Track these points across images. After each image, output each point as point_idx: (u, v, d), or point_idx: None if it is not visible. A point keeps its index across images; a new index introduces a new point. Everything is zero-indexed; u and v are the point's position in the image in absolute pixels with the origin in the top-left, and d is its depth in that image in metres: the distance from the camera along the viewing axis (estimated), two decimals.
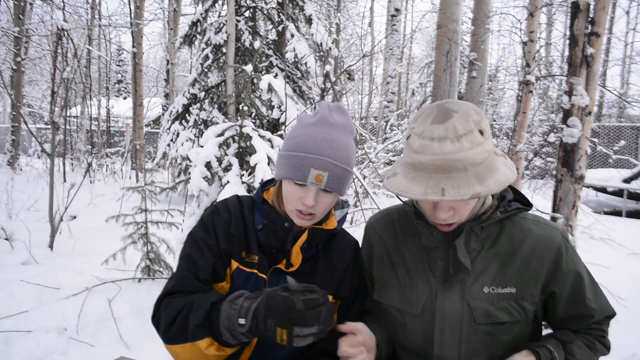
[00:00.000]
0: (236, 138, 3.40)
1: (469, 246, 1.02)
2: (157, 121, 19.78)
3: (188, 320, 0.95)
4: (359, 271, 1.18)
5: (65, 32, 4.97)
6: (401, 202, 1.19)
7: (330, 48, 6.15)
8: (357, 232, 5.51)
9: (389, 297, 1.11)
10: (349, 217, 6.31)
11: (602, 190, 8.72)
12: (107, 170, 11.68)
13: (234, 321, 0.90)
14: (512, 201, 1.08)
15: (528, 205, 1.10)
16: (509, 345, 1.02)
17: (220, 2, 7.38)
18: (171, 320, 0.97)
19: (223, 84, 7.12)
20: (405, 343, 1.10)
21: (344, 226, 1.21)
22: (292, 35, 6.97)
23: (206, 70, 7.25)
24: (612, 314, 1.07)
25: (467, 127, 0.90)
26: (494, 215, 1.03)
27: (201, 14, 7.20)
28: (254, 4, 7.33)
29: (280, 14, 7.18)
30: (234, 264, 1.08)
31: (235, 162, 3.31)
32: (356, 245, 1.22)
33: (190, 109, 7.43)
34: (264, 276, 1.07)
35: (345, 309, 1.15)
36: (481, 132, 0.92)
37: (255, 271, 1.08)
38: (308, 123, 1.05)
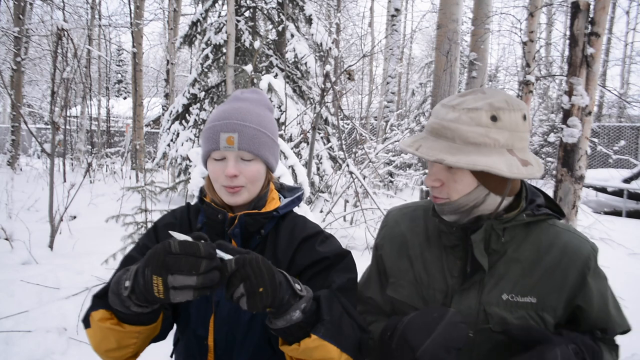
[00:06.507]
0: None
1: (489, 246, 0.98)
2: (157, 121, 19.80)
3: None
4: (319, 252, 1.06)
5: (65, 32, 4.97)
6: (427, 199, 1.16)
7: (330, 48, 6.15)
8: (357, 232, 5.52)
9: (403, 294, 1.08)
10: (348, 217, 6.30)
11: (602, 190, 8.72)
12: (107, 170, 11.68)
13: (122, 284, 0.84)
14: (542, 206, 1.03)
15: (560, 213, 1.04)
16: None
17: (220, 2, 7.39)
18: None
19: (223, 84, 7.13)
20: None
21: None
22: (292, 35, 6.97)
23: (206, 70, 7.26)
24: (629, 329, 1.06)
25: (476, 105, 0.91)
26: (519, 217, 0.98)
27: (201, 14, 7.21)
28: (254, 4, 7.33)
29: (280, 14, 7.18)
30: None
31: None
32: (316, 232, 1.11)
33: (190, 109, 7.45)
34: None
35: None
36: (493, 118, 0.90)
37: None
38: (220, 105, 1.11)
